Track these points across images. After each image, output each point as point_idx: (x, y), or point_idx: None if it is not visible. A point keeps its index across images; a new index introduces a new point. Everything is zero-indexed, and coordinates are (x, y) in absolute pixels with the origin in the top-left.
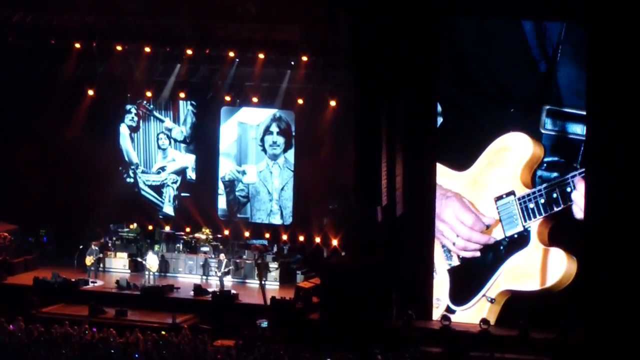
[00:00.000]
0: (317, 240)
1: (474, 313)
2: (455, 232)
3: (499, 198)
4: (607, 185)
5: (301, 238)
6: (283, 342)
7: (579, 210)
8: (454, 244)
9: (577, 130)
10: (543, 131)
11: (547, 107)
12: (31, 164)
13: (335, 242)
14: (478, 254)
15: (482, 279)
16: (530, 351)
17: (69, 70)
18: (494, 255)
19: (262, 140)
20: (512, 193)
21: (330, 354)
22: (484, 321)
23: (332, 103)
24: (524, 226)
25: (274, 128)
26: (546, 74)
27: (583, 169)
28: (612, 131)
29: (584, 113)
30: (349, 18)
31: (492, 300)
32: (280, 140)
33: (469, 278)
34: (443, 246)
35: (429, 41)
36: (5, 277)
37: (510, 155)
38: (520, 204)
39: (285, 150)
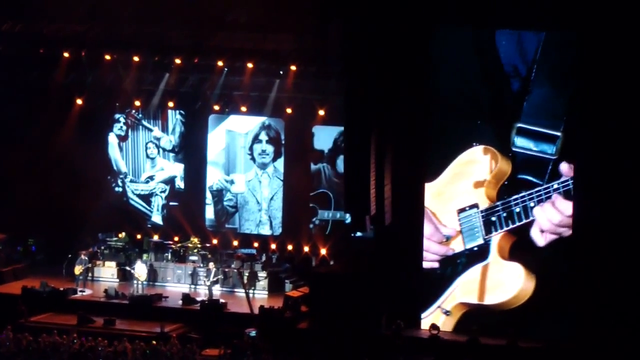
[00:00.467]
0: (306, 249)
1: (429, 323)
2: None
3: (462, 210)
4: (595, 197)
5: (290, 247)
6: (272, 351)
7: (536, 227)
8: None
9: (547, 149)
10: (513, 148)
11: (518, 124)
12: (20, 173)
13: (324, 251)
14: (436, 265)
15: (438, 291)
16: None
17: (58, 79)
18: (453, 267)
19: (251, 148)
20: (475, 206)
21: None
22: (434, 326)
23: (321, 112)
24: (484, 239)
25: (263, 136)
26: (518, 91)
27: (547, 186)
28: (599, 142)
29: (555, 133)
30: (339, 27)
31: (446, 313)
32: (270, 148)
33: (425, 288)
34: None
35: (413, 50)
36: None
37: (476, 169)
38: (482, 217)
39: (274, 159)
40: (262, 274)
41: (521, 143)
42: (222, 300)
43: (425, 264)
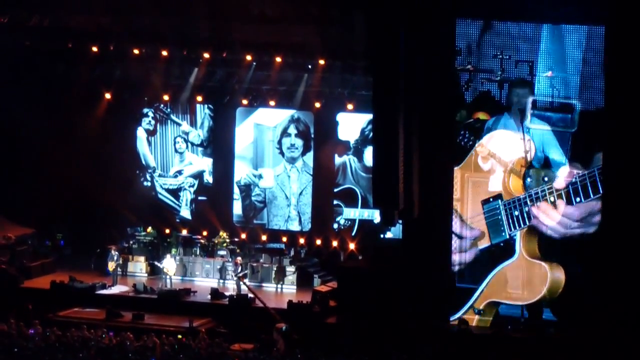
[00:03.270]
0: (334, 244)
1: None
2: None
3: (486, 201)
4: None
5: (318, 242)
6: (303, 346)
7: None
8: None
9: (564, 121)
10: (529, 127)
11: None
12: (47, 167)
13: (352, 246)
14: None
15: (470, 290)
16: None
17: (86, 74)
18: (480, 264)
19: (280, 142)
20: (499, 196)
21: (347, 357)
22: (462, 321)
23: (350, 106)
24: (509, 235)
25: (292, 130)
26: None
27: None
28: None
29: (569, 102)
30: (364, 21)
31: (479, 312)
32: (299, 142)
33: (456, 287)
34: None
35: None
36: (22, 280)
37: (499, 154)
38: (506, 209)
39: (303, 153)
40: (290, 269)
41: (536, 121)
42: (250, 295)
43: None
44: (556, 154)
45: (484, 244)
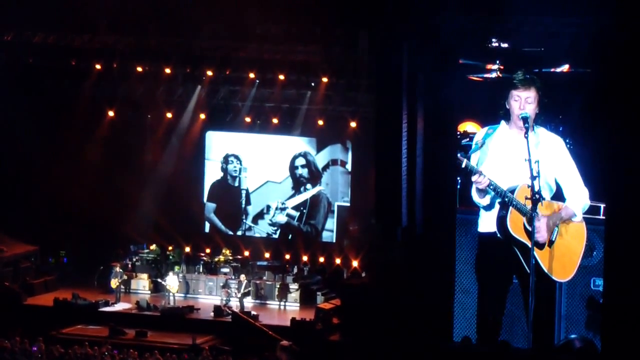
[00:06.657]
0: (338, 261)
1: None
2: None
3: None
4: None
5: (321, 259)
6: None
7: None
8: None
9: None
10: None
11: None
12: (51, 184)
13: (355, 263)
14: None
15: None
16: None
17: (89, 91)
18: None
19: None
20: None
21: None
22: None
23: (353, 124)
24: None
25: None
26: None
27: None
28: None
29: None
30: (369, 40)
31: None
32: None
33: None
34: None
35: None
36: (25, 298)
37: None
38: None
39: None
40: (293, 286)
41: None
42: (253, 312)
43: None
44: (574, 179)
45: None
